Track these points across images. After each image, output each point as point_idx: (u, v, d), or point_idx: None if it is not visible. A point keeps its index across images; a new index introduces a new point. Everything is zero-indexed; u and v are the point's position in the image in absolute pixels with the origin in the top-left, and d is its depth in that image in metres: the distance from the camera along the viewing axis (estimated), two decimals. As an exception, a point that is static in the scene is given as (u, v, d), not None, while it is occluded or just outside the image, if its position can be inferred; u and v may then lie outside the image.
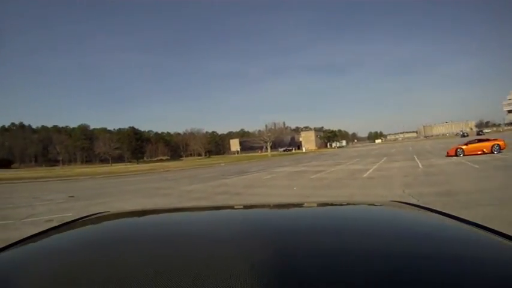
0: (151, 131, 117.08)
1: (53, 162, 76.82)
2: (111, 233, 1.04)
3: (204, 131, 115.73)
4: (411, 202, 1.41)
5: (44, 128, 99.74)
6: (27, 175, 31.63)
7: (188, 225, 1.09)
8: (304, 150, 79.35)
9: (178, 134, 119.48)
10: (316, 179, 12.92)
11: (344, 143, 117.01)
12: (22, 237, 0.93)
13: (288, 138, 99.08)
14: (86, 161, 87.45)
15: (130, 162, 76.15)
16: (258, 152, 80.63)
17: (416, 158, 19.86)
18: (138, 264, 0.68)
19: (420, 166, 14.63)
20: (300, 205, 1.59)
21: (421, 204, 1.24)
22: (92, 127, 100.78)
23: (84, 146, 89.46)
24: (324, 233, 0.86)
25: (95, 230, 1.10)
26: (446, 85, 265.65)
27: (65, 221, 1.19)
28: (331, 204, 1.70)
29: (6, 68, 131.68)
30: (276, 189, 10.88)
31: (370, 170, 14.54)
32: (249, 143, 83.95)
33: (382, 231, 0.88)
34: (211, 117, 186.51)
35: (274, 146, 70.70)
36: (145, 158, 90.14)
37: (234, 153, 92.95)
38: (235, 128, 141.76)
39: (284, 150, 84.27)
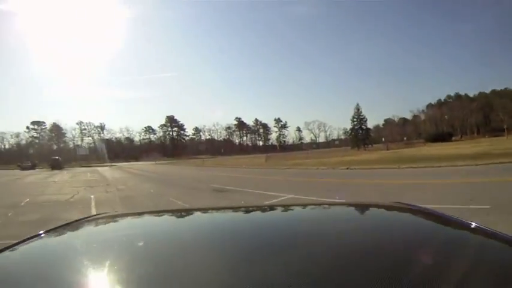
0: None
1: (498, 131, 61.42)
2: (111, 234, 1.04)
3: None
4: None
5: (481, 94, 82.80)
6: (455, 151, 21.19)
7: (188, 227, 1.09)
8: None
9: None
10: None
11: None
12: (22, 238, 0.92)
13: None
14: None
15: None
16: None
17: None
18: (138, 265, 0.68)
19: None
20: (304, 206, 1.59)
21: (425, 206, 1.19)
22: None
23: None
24: (328, 234, 0.87)
25: (95, 231, 1.09)
26: None
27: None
28: (336, 205, 1.67)
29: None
30: None
31: None
32: None
33: (387, 233, 0.89)
34: None
35: None
36: None
37: None
38: None
39: None
